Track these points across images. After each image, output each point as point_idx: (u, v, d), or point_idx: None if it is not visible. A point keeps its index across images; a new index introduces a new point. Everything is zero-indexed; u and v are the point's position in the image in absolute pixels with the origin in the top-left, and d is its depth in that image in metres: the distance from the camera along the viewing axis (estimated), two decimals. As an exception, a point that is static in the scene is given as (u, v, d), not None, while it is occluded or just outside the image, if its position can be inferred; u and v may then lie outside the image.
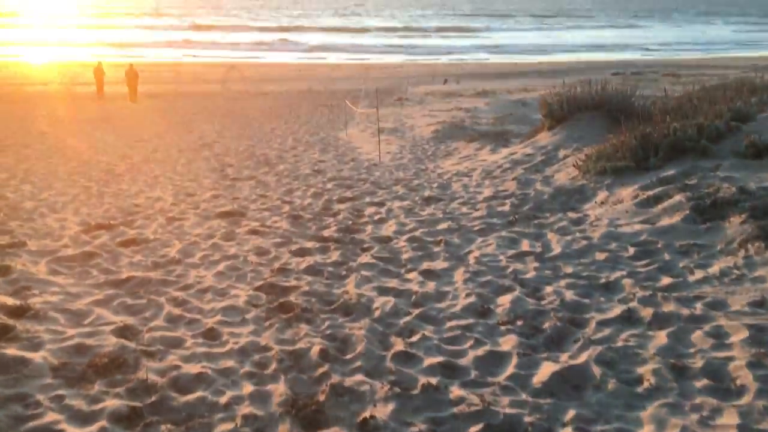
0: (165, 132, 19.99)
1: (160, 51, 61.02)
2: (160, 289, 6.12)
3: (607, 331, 5.00)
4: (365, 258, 7.02)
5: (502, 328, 5.18)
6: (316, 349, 4.76)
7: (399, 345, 4.88)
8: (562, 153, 11.93)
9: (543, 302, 5.62)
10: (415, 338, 5.00)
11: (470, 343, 4.93)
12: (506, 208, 8.98)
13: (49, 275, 6.39)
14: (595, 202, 8.72)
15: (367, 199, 10.25)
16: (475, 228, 8.09)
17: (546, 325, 5.15)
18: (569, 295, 5.73)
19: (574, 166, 10.38)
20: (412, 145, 17.50)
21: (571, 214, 8.39)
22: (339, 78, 42.83)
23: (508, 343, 4.90)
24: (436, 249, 7.32)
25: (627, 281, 5.96)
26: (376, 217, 8.98)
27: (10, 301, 5.45)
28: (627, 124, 10.66)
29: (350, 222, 8.72)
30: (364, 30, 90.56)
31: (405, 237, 7.83)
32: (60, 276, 6.41)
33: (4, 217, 8.91)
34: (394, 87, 38.41)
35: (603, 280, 6.06)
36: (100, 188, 11.26)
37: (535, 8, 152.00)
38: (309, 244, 7.62)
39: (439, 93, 34.41)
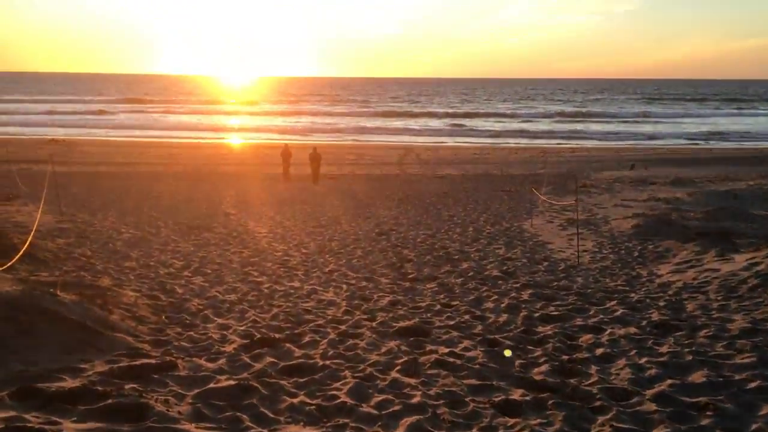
0: (342, 216, 19.09)
1: (341, 135, 63.02)
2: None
3: None
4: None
5: None
6: None
7: None
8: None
9: None
10: None
11: None
12: (783, 352, 6.44)
13: (190, 422, 4.91)
14: None
15: (578, 320, 8.09)
16: (751, 386, 5.66)
17: None
18: None
19: None
20: (612, 242, 15.04)
21: None
22: (515, 162, 40.98)
23: None
24: (704, 421, 5.01)
25: None
26: (598, 352, 6.80)
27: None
28: None
29: (564, 356, 6.62)
30: (538, 115, 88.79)
31: (650, 392, 5.59)
32: (203, 427, 4.90)
33: (166, 320, 7.83)
34: (576, 172, 35.79)
35: None
36: (271, 285, 10.09)
37: (729, 91, 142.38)
38: (517, 394, 5.63)
39: (627, 180, 31.35)
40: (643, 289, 10.14)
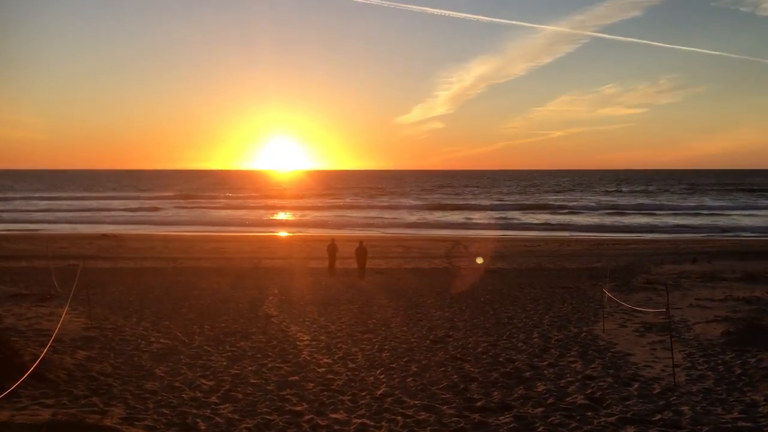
0: (392, 319, 17.22)
1: (390, 229, 61.91)
2: None
3: None
4: None
5: None
6: None
7: None
8: None
9: None
10: None
11: None
12: None
13: None
14: None
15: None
16: None
17: None
18: None
19: None
20: (703, 354, 12.77)
21: None
22: (569, 254, 38.74)
23: None
24: None
25: None
26: None
27: None
28: None
29: None
30: (586, 207, 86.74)
31: None
32: None
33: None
34: (635, 266, 33.37)
35: None
36: (312, 418, 8.22)
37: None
38: None
39: (692, 275, 28.80)
40: (772, 428, 7.95)
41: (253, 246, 43.51)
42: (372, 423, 8.06)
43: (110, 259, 34.85)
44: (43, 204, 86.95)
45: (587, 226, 60.65)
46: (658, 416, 8.42)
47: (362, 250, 29.48)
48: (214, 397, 9.17)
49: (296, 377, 10.45)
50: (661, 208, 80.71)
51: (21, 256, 33.96)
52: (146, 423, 7.68)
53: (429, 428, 7.87)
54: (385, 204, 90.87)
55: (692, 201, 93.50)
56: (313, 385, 9.97)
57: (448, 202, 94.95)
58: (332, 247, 31.06)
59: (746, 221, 63.49)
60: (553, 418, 8.33)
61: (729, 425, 7.99)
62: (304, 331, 15.18)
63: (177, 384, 9.87)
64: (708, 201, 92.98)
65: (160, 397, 9.06)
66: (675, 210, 76.86)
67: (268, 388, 9.76)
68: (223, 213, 75.56)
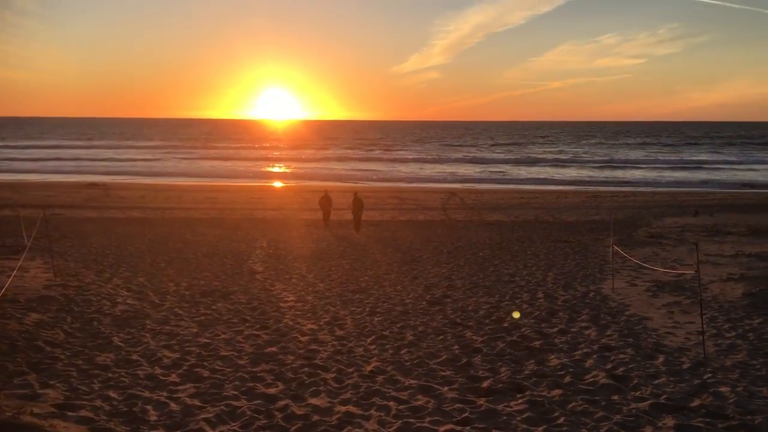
0: (386, 276, 15.73)
1: (385, 181, 60.28)
2: None
3: None
4: None
5: None
6: None
7: None
8: None
9: None
10: None
11: None
12: None
13: None
14: None
15: None
16: None
17: None
18: None
19: None
20: (727, 319, 11.33)
21: None
22: (566, 207, 37.21)
23: None
24: None
25: None
26: None
27: None
28: None
29: None
30: (583, 160, 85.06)
31: None
32: None
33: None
34: (635, 219, 31.90)
35: None
36: (287, 405, 6.71)
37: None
38: None
39: (695, 228, 27.34)
40: (838, 417, 6.49)
41: (246, 197, 41.80)
42: (359, 411, 6.56)
43: (96, 208, 33.15)
44: (36, 152, 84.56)
45: (584, 179, 59.01)
46: (697, 401, 6.96)
47: (358, 202, 27.83)
48: (174, 375, 7.65)
49: (275, 348, 8.94)
50: (657, 161, 78.97)
51: (3, 205, 32.23)
52: (82, 414, 6.16)
53: (428, 418, 6.38)
54: (380, 156, 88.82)
55: (690, 153, 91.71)
56: (293, 358, 8.46)
57: (444, 153, 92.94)
58: (326, 199, 29.42)
59: (745, 175, 61.94)
60: (575, 403, 6.86)
61: (782, 414, 6.53)
62: (290, 290, 13.65)
63: (134, 357, 8.34)
64: (706, 154, 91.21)
65: (110, 375, 7.53)
66: (673, 163, 75.10)
67: (240, 362, 8.24)
68: (218, 163, 73.48)
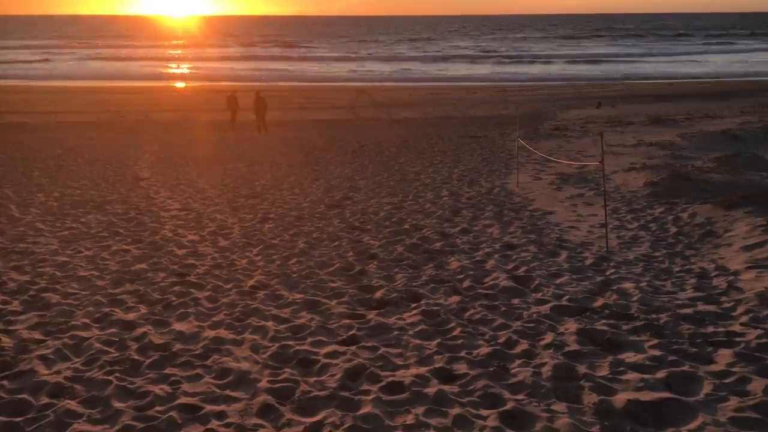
0: (285, 178, 14.62)
1: (288, 78, 57.66)
2: None
3: None
4: None
5: None
6: None
7: None
8: None
9: None
10: None
11: None
12: None
13: None
14: None
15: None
16: None
17: None
18: None
19: None
20: (629, 210, 11.04)
21: None
22: (476, 102, 36.66)
23: None
24: None
25: None
26: None
27: None
28: None
29: None
30: (495, 54, 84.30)
31: None
32: None
33: None
34: (541, 111, 31.76)
35: None
36: (144, 332, 5.69)
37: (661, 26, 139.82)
38: None
39: (599, 119, 27.43)
40: (739, 308, 6.15)
41: (142, 98, 38.75)
42: (230, 336, 5.63)
43: (-31, 114, 29.73)
44: None
45: (491, 74, 58.50)
46: (600, 300, 6.46)
47: (260, 101, 25.99)
48: (16, 303, 6.44)
49: (144, 264, 7.80)
50: (562, 55, 79.33)
51: None
52: None
53: (309, 339, 5.55)
54: (287, 54, 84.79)
55: (593, 47, 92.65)
56: (163, 276, 7.37)
57: (353, 50, 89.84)
58: (232, 99, 27.39)
59: (649, 67, 63.15)
60: (472, 311, 6.20)
61: (689, 309, 6.12)
62: (176, 197, 12.34)
63: (-31, 285, 7.02)
64: (607, 47, 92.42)
65: (-66, 309, 6.24)
66: (575, 57, 75.62)
67: (100, 283, 7.08)
68: (109, 63, 67.85)
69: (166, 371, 4.94)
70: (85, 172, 15.18)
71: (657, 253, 8.37)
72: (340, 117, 30.53)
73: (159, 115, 31.11)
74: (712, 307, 6.24)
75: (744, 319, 5.91)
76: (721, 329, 5.67)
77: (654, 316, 6.00)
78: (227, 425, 4.15)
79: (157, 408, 4.37)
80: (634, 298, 6.51)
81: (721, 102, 33.57)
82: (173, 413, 4.25)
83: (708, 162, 15.33)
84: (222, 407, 4.40)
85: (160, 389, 4.62)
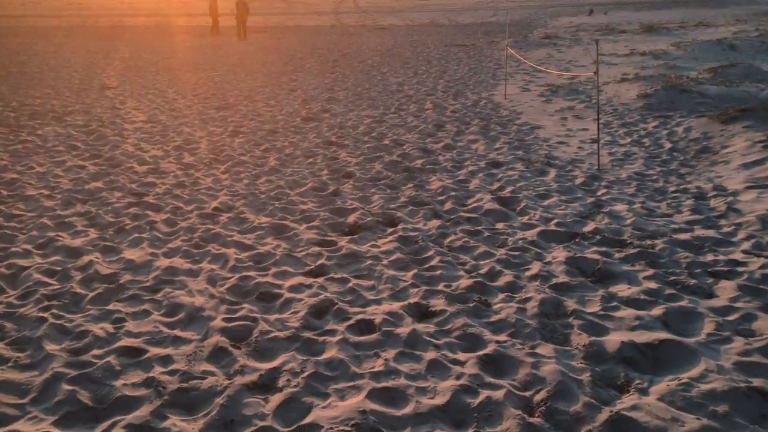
0: (261, 89, 13.70)
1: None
2: None
3: None
4: None
5: None
6: None
7: None
8: None
9: None
10: None
11: None
12: None
13: None
14: None
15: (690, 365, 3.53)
16: None
17: None
18: None
19: None
20: (621, 123, 10.37)
21: None
22: (464, 8, 34.93)
23: None
24: None
25: None
26: None
27: None
28: None
29: None
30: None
31: None
32: None
33: None
34: (531, 19, 30.34)
35: None
36: (91, 263, 5.09)
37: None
38: None
39: (590, 28, 26.20)
40: (740, 233, 5.64)
41: (117, 2, 36.55)
42: (186, 265, 5.03)
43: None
44: None
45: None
46: (591, 224, 5.92)
47: (242, 6, 24.44)
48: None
49: (100, 183, 7.10)
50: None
51: None
52: None
53: (272, 270, 4.97)
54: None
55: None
56: (119, 195, 6.70)
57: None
58: (213, 5, 25.76)
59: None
60: (453, 237, 5.64)
61: (686, 234, 5.60)
62: (143, 108, 11.46)
63: None
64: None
65: None
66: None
67: (49, 203, 6.39)
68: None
69: (110, 307, 4.38)
70: (49, 80, 14.14)
71: (651, 171, 7.78)
72: (322, 23, 28.99)
73: (132, 19, 29.37)
74: (710, 232, 5.71)
75: (746, 245, 5.40)
76: (721, 257, 5.15)
77: (648, 242, 5.47)
78: (171, 372, 3.63)
79: (94, 351, 3.83)
80: (627, 222, 5.96)
81: (717, 9, 32.18)
82: (111, 358, 3.71)
83: (703, 72, 14.54)
84: (168, 350, 3.86)
85: (100, 328, 4.07)
